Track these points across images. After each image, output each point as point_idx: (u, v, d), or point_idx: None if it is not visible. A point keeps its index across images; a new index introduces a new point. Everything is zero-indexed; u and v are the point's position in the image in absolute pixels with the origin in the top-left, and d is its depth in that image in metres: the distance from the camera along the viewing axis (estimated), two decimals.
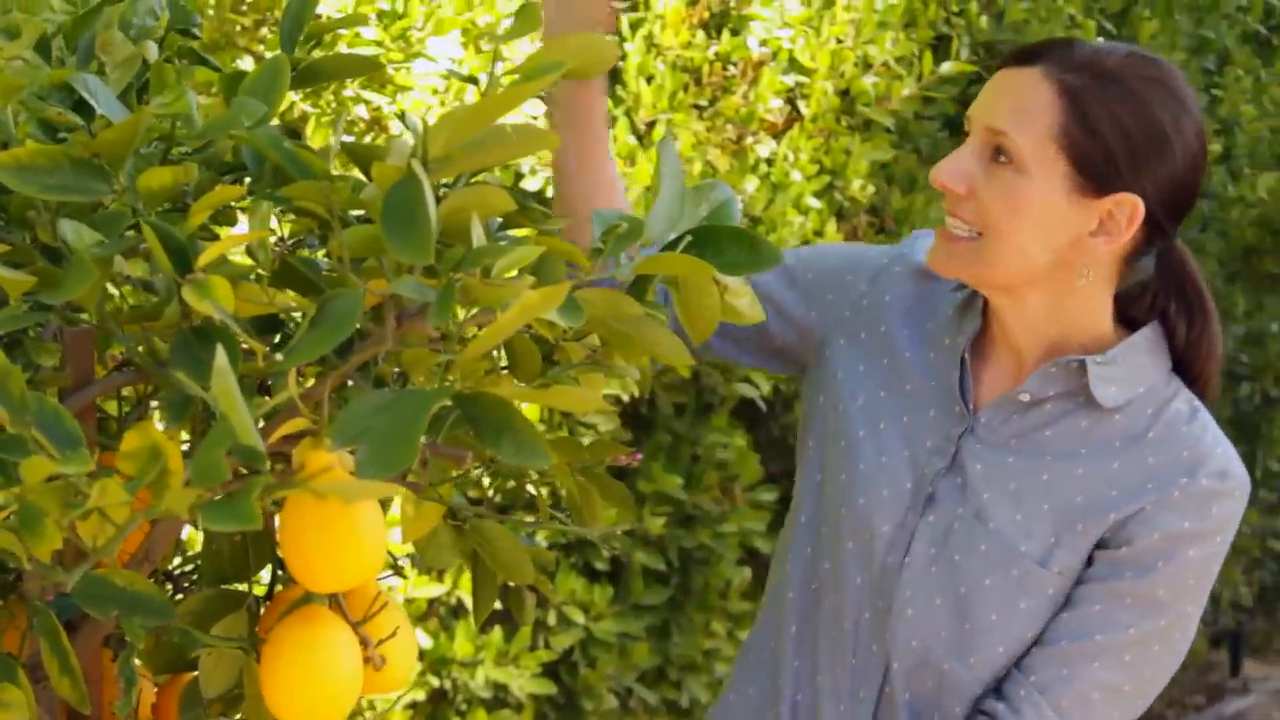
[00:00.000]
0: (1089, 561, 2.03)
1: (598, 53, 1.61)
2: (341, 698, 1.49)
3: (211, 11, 2.77)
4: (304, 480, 1.27)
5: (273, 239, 1.69)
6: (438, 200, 1.45)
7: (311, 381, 1.53)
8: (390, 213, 1.36)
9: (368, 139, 3.14)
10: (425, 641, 3.80)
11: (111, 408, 1.79)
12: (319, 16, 1.83)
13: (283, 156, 1.51)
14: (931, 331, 2.15)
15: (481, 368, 1.39)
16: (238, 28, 2.83)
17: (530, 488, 1.86)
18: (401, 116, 3.11)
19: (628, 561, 4.10)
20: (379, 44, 3.05)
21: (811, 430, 2.20)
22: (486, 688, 3.84)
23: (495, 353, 1.63)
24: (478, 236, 1.47)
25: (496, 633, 3.85)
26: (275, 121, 1.72)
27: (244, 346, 1.36)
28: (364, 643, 1.53)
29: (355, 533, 1.42)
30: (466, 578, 3.74)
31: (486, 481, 3.55)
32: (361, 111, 3.07)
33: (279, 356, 1.27)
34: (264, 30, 2.87)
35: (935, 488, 2.07)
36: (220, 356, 1.18)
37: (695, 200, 1.74)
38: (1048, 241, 2.00)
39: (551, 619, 3.98)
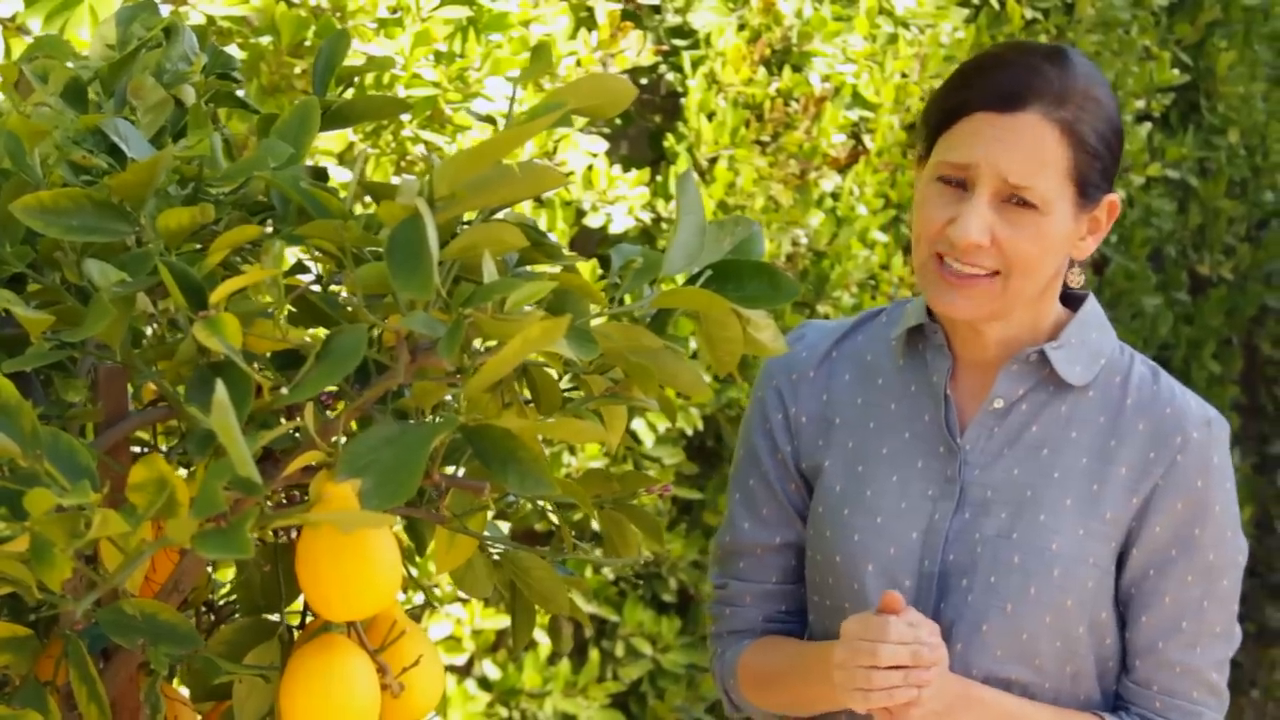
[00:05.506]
0: (1121, 559, 2.08)
1: (613, 91, 1.63)
2: None
3: (270, 56, 2.83)
4: (306, 511, 1.31)
5: (309, 276, 1.73)
6: (454, 237, 1.48)
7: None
8: (394, 250, 1.40)
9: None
10: (493, 672, 3.83)
11: (162, 442, 1.83)
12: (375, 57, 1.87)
13: (301, 196, 1.56)
14: (884, 389, 2.17)
15: (488, 400, 1.42)
16: (296, 70, 2.89)
17: (554, 518, 1.89)
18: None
19: (695, 593, 4.12)
20: (437, 85, 3.10)
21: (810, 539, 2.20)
22: (555, 718, 3.86)
23: (517, 385, 1.66)
24: (489, 272, 1.50)
25: (565, 664, 3.87)
26: (309, 161, 1.76)
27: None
28: (382, 670, 1.56)
29: (367, 562, 1.45)
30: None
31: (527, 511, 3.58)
32: (422, 151, 3.12)
33: (284, 390, 1.31)
34: None
35: (950, 527, 2.09)
36: (220, 391, 1.22)
37: (718, 235, 1.75)
38: (1058, 260, 2.07)
39: (620, 650, 4.01)
